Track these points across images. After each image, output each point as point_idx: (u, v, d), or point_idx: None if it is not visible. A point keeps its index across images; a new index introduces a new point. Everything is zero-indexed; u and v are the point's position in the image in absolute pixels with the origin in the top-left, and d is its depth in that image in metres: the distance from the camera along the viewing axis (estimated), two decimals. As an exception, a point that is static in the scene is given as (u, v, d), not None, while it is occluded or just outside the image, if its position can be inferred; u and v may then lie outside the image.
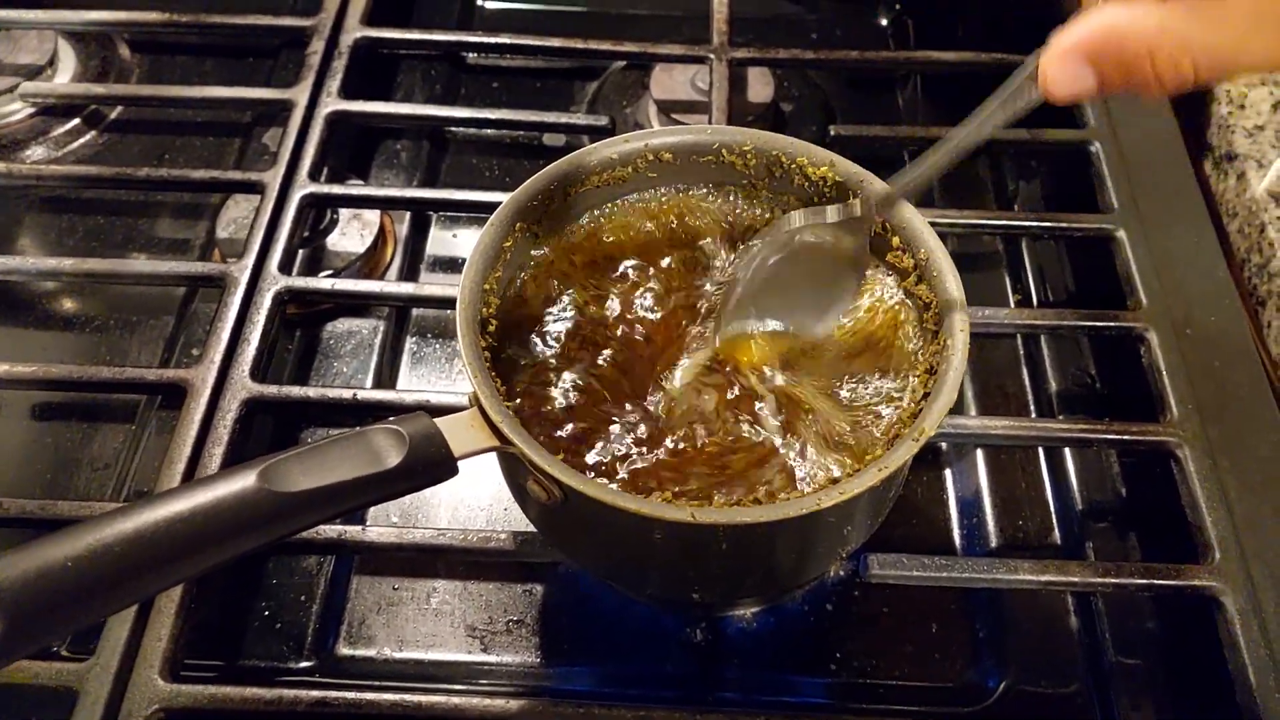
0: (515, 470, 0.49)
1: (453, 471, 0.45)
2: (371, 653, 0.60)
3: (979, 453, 0.68)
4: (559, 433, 0.49)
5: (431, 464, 0.44)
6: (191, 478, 0.59)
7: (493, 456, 0.46)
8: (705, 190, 0.58)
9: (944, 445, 0.67)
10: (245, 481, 0.40)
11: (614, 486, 0.47)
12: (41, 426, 0.69)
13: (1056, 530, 0.65)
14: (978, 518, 0.66)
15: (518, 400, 0.50)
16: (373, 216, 0.77)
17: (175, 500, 0.39)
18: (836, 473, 0.48)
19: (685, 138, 0.57)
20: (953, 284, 0.50)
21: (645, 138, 0.56)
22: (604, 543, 0.50)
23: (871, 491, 0.45)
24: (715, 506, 0.46)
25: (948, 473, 0.67)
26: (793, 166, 0.56)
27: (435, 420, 0.45)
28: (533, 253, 0.56)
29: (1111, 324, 0.66)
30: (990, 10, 0.93)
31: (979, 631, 0.61)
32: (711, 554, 0.47)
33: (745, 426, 0.50)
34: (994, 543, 0.65)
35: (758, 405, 0.50)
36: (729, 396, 0.51)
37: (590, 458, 0.48)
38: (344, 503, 0.42)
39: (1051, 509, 0.66)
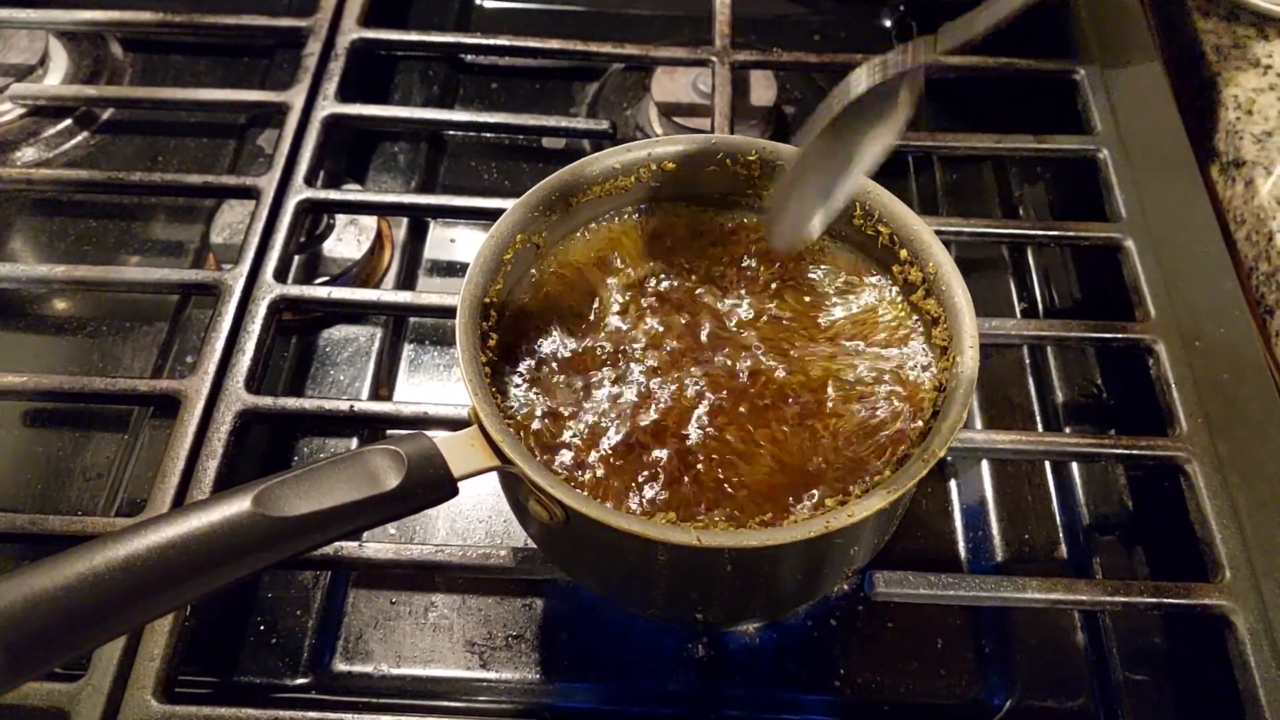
0: (516, 489, 0.48)
1: (453, 492, 0.44)
2: (369, 669, 0.59)
3: (985, 464, 0.67)
4: (561, 449, 0.48)
5: (431, 485, 0.43)
6: (185, 492, 0.58)
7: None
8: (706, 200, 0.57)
9: (949, 458, 0.66)
10: (239, 506, 0.39)
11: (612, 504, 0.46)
12: (32, 434, 0.68)
13: (1063, 544, 0.64)
14: (983, 530, 0.65)
15: (519, 415, 0.49)
16: (370, 221, 0.76)
17: (167, 526, 0.38)
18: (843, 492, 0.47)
19: (689, 147, 0.56)
20: (962, 300, 0.49)
21: (648, 147, 0.55)
22: (606, 563, 0.50)
23: (879, 513, 0.44)
24: (720, 529, 0.45)
25: (953, 484, 0.66)
26: (799, 177, 0.55)
27: (434, 439, 0.44)
28: (534, 264, 0.54)
29: (1119, 335, 0.65)
30: (995, 12, 0.92)
31: (985, 648, 0.60)
32: (716, 576, 0.46)
33: (756, 443, 0.49)
34: (1000, 556, 0.64)
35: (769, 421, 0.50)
36: (739, 409, 0.50)
37: (593, 475, 0.47)
38: (341, 526, 0.41)
39: (1058, 522, 0.65)
